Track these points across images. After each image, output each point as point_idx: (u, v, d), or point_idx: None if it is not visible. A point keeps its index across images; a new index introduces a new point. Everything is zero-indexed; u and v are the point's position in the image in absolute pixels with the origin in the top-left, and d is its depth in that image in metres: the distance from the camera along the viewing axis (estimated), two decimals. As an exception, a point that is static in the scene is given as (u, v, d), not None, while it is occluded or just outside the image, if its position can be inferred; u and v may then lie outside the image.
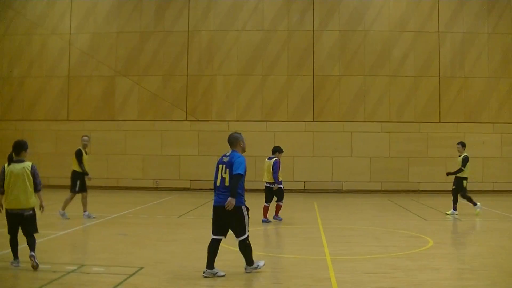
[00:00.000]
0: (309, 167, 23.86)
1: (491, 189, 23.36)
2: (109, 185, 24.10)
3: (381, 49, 24.09)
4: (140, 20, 24.92)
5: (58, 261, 9.05)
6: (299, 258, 9.60)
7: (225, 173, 8.13)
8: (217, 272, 8.01)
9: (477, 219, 15.18)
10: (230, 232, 8.24)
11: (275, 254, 10.08)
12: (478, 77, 23.94)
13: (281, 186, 14.44)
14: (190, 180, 24.23)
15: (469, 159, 15.76)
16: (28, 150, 8.69)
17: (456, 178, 15.84)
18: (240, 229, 8.13)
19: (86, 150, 14.69)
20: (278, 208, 14.47)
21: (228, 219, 8.09)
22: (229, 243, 8.93)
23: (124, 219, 14.80)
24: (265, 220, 14.01)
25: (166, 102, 24.53)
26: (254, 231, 11.47)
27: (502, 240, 11.82)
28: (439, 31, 24.00)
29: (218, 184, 8.20)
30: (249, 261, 8.29)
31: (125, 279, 7.80)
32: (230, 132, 8.72)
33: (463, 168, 15.60)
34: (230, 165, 8.11)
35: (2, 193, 8.42)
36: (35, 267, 8.17)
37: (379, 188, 23.63)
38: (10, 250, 8.53)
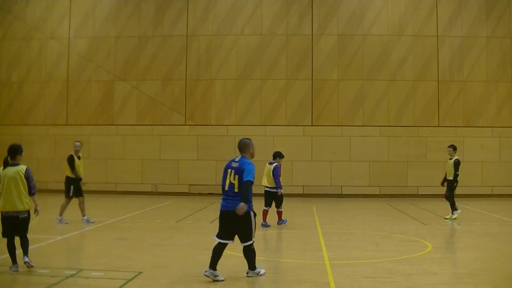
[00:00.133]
0: (308, 171, 23.86)
1: (490, 193, 23.36)
2: (107, 190, 24.07)
3: (379, 53, 24.13)
4: (139, 25, 24.95)
5: (57, 265, 9.03)
6: (298, 263, 9.58)
7: (234, 178, 8.16)
8: (217, 276, 8.00)
9: (477, 223, 15.18)
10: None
11: (274, 259, 10.08)
12: (477, 81, 23.98)
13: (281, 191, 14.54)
14: (189, 185, 24.22)
15: (461, 162, 15.82)
16: (23, 154, 8.79)
17: (447, 181, 15.88)
18: (246, 235, 8.15)
19: (79, 155, 14.68)
20: (279, 214, 14.57)
21: (236, 224, 8.11)
22: (230, 248, 8.90)
23: (122, 223, 14.78)
24: (264, 224, 14.04)
25: (164, 106, 24.53)
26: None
27: (501, 244, 11.81)
28: (437, 35, 24.04)
29: (226, 188, 8.22)
30: (252, 266, 8.31)
31: (124, 284, 7.79)
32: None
33: (458, 173, 15.63)
34: (239, 171, 8.13)
35: None
36: (30, 267, 8.34)
37: (378, 193, 23.62)
38: (8, 255, 8.52)
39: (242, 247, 8.22)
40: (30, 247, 8.62)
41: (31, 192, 8.54)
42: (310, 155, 23.97)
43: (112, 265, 9.18)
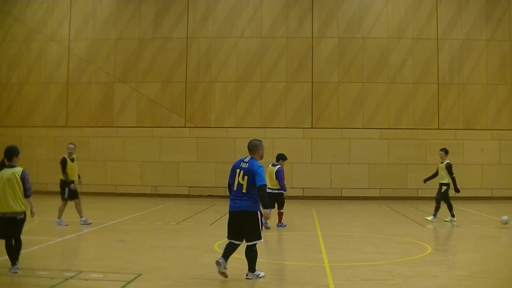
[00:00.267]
0: (308, 173, 23.86)
1: (490, 195, 23.37)
2: (107, 192, 24.08)
3: (379, 56, 24.14)
4: (139, 27, 24.96)
5: (56, 267, 9.03)
6: (298, 265, 9.58)
7: (242, 179, 8.17)
8: (225, 269, 8.03)
9: (476, 226, 15.19)
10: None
11: (274, 261, 10.07)
12: (477, 84, 23.99)
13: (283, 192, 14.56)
14: (189, 187, 24.21)
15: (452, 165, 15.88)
16: (20, 156, 8.84)
17: (440, 184, 15.92)
18: (252, 234, 8.16)
19: (73, 157, 14.66)
20: (280, 215, 14.57)
21: (244, 224, 8.14)
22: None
23: (122, 225, 14.77)
24: (264, 224, 14.02)
25: (164, 108, 24.54)
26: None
27: (500, 247, 11.82)
28: (437, 38, 24.06)
29: (235, 188, 8.23)
30: (252, 268, 8.32)
31: (123, 286, 7.78)
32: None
33: (453, 176, 15.66)
34: (249, 173, 8.15)
35: None
36: (16, 273, 8.31)
37: (378, 195, 23.62)
38: (6, 256, 8.51)
39: (245, 246, 8.22)
40: (30, 249, 8.64)
41: (26, 194, 8.57)
42: (310, 157, 23.97)
43: (112, 267, 9.18)
